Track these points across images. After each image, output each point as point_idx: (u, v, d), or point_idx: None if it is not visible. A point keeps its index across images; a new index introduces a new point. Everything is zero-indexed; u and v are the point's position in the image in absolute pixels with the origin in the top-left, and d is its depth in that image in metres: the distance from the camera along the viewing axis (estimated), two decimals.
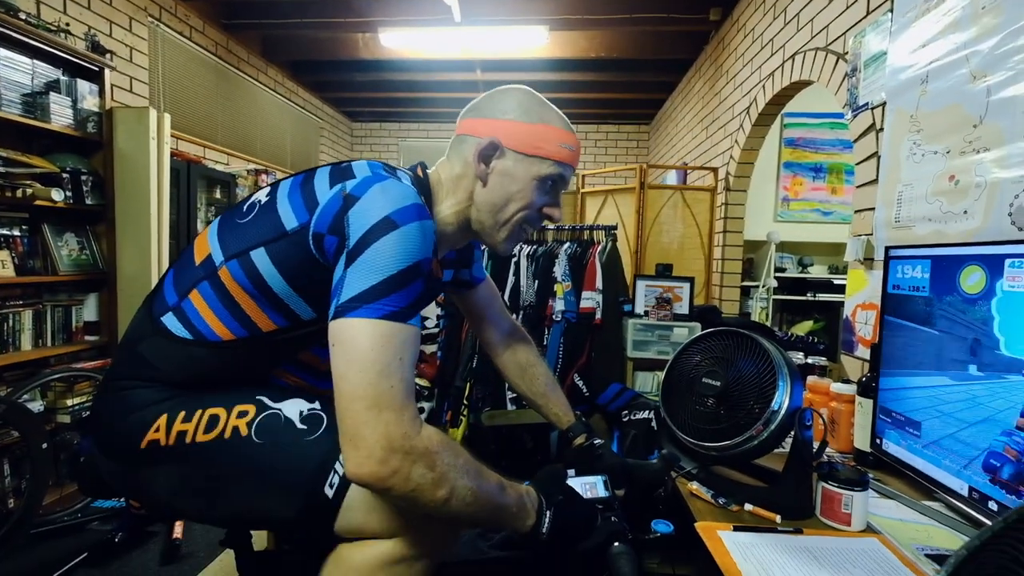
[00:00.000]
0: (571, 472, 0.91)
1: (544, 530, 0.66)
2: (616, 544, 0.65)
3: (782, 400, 0.94)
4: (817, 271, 3.75)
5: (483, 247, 1.02)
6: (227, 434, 0.64)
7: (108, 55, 2.28)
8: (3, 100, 1.88)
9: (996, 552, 0.44)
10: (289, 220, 0.66)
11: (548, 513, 0.67)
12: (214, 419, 0.65)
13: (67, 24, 2.22)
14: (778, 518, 0.90)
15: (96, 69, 2.20)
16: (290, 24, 3.51)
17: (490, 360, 1.10)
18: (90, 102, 2.17)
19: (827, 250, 3.80)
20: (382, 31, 3.46)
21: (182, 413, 0.65)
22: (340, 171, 0.68)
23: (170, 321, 0.69)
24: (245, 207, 0.71)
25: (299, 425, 0.65)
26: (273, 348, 0.71)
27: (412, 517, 0.64)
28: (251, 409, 0.65)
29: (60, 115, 2.05)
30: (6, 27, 1.84)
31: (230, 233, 0.69)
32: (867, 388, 1.17)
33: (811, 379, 1.40)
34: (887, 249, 1.14)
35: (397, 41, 3.59)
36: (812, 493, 0.93)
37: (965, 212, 1.21)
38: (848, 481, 0.88)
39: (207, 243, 0.70)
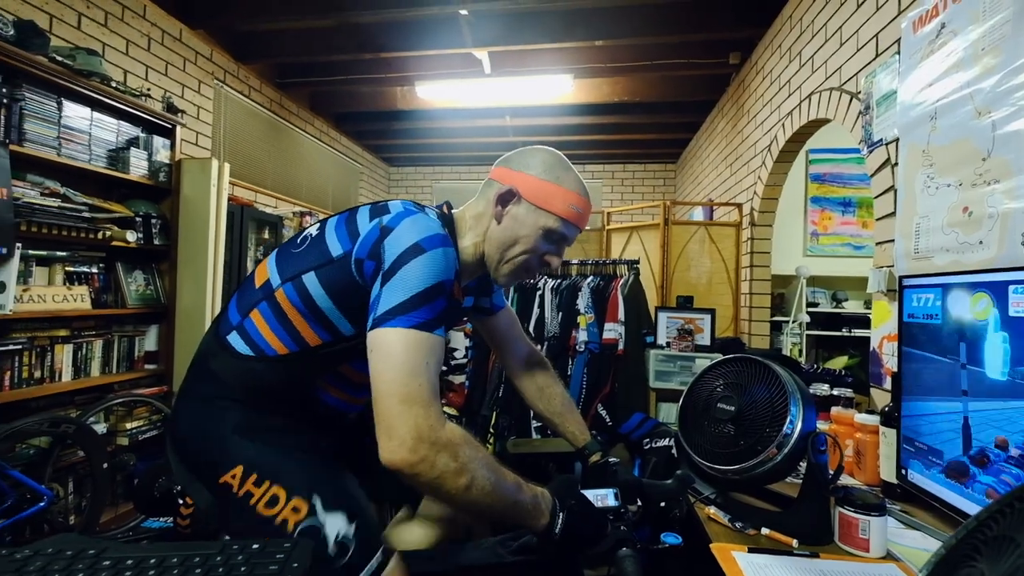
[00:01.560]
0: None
1: (557, 531, 0.71)
2: (623, 549, 0.69)
3: (794, 424, 0.97)
4: (852, 306, 3.66)
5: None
6: (277, 520, 0.71)
7: (180, 114, 2.59)
8: (93, 155, 2.16)
9: (966, 546, 0.47)
10: (335, 248, 0.78)
11: (561, 515, 0.72)
12: (275, 499, 0.72)
13: (148, 89, 2.54)
14: (795, 542, 0.91)
15: (169, 127, 2.50)
16: (336, 81, 3.85)
17: (515, 388, 1.17)
18: (163, 155, 2.45)
19: (861, 284, 3.71)
20: (418, 84, 3.75)
21: (254, 476, 0.73)
22: (377, 208, 0.81)
23: (234, 339, 0.81)
24: (299, 239, 0.84)
25: (330, 549, 0.70)
26: (318, 361, 0.81)
27: None
28: (303, 508, 0.72)
29: (137, 167, 2.33)
30: (101, 95, 2.14)
31: (286, 261, 0.81)
32: (889, 418, 1.17)
33: (835, 410, 1.39)
34: (901, 279, 1.16)
35: (432, 93, 3.87)
36: (830, 518, 0.94)
37: (980, 242, 1.22)
38: (865, 506, 0.89)
39: (266, 270, 0.83)
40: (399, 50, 3.24)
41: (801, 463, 0.99)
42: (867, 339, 3.37)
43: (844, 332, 3.42)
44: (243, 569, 0.36)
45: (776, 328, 3.31)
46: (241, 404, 0.79)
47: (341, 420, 0.90)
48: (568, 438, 1.09)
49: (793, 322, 3.21)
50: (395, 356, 0.66)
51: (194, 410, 0.81)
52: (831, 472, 0.95)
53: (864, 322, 3.48)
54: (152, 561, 0.37)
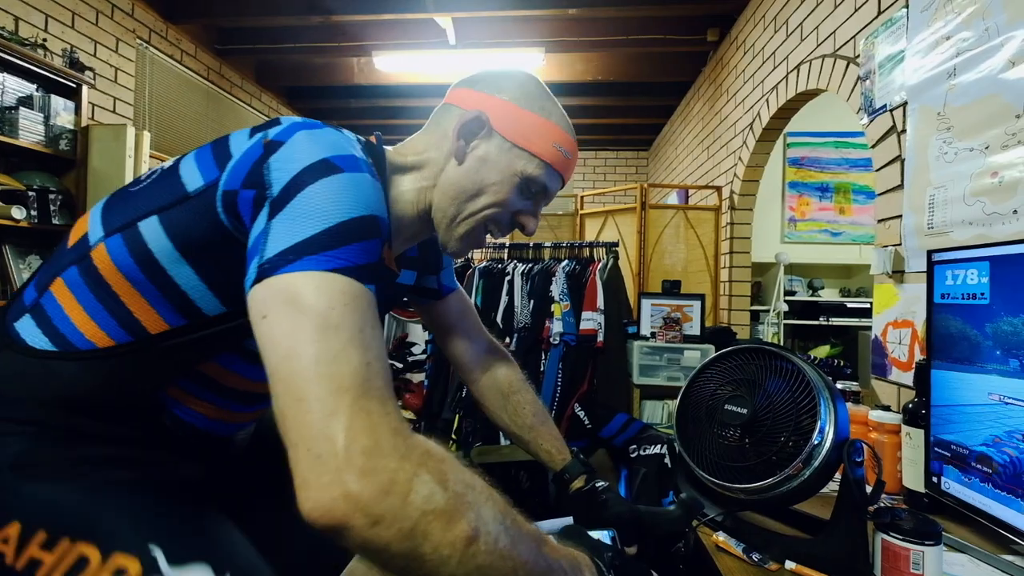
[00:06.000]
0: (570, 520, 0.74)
1: None
2: None
3: (825, 430, 0.78)
4: (828, 294, 3.60)
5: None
6: None
7: (89, 73, 2.21)
8: None
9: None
10: (193, 180, 0.51)
11: None
12: (82, 562, 0.46)
13: (44, 40, 2.15)
14: None
15: (73, 86, 2.13)
16: (284, 49, 3.49)
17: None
18: (64, 119, 2.08)
19: (838, 272, 3.66)
20: (376, 55, 3.43)
21: (41, 535, 0.47)
22: (263, 125, 0.53)
23: (25, 326, 0.53)
24: (143, 176, 0.56)
25: None
26: (165, 358, 0.54)
27: None
28: (132, 567, 0.46)
29: (30, 131, 1.96)
30: None
31: (117, 206, 0.54)
32: (915, 416, 1.00)
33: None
34: (929, 253, 0.99)
35: (392, 65, 3.56)
36: (869, 547, 0.75)
37: (1015, 212, 1.06)
38: (916, 533, 0.71)
39: (86, 222, 0.55)
40: (352, 13, 2.93)
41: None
42: (845, 328, 3.33)
43: (822, 321, 3.34)
44: None
45: (754, 318, 3.19)
46: (26, 428, 0.51)
47: (205, 445, 0.62)
48: (543, 458, 0.83)
49: (772, 311, 3.10)
50: (316, 315, 0.39)
51: None
52: (869, 488, 0.77)
53: (842, 310, 3.42)
54: None
